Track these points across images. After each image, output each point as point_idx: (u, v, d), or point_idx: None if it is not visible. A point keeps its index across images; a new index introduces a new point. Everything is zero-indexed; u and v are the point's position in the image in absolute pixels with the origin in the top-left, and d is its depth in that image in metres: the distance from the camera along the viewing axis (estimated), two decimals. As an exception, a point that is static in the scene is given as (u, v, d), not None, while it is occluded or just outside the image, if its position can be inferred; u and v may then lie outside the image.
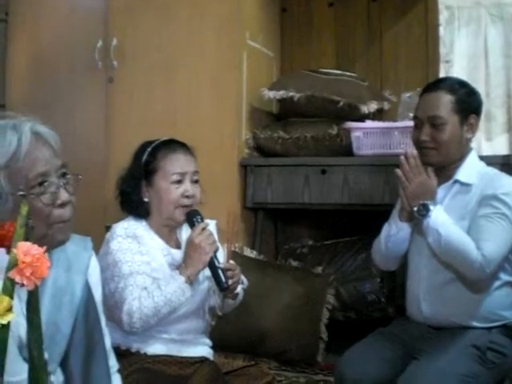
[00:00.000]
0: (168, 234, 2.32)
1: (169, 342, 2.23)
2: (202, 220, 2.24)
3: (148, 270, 2.19)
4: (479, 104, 2.45)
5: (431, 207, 2.31)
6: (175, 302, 2.14)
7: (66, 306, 1.60)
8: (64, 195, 1.53)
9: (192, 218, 2.24)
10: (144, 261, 2.20)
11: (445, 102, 2.37)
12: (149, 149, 2.31)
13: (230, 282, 2.19)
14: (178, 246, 2.32)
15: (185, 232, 2.33)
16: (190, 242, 2.21)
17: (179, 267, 2.20)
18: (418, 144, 2.42)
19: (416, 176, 2.34)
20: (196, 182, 2.29)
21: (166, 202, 2.25)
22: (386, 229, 2.49)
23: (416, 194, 2.33)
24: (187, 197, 2.25)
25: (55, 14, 3.62)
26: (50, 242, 1.55)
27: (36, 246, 1.07)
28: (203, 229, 2.21)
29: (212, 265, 2.19)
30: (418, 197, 2.33)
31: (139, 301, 2.11)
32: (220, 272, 2.18)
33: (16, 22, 3.70)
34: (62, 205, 1.53)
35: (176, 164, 2.27)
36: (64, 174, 1.56)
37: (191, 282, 2.16)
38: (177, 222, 2.30)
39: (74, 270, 1.64)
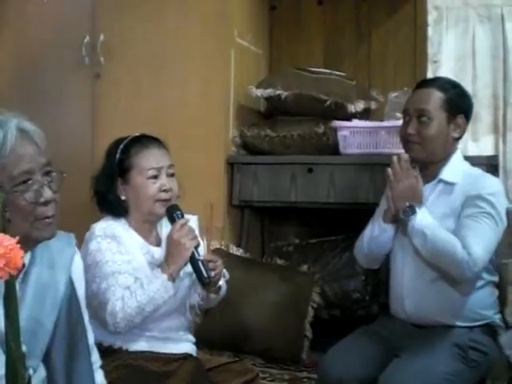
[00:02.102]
0: (148, 231, 2.31)
1: (151, 339, 2.23)
2: (182, 216, 2.23)
3: (129, 268, 2.18)
4: (469, 106, 2.47)
5: (417, 209, 2.32)
6: (158, 300, 2.13)
7: (48, 302, 1.60)
8: (48, 193, 1.53)
9: (172, 213, 2.23)
10: (125, 260, 2.19)
11: (434, 98, 2.39)
12: (121, 146, 2.29)
13: (213, 273, 2.18)
14: (159, 243, 2.31)
15: (165, 228, 2.32)
16: (170, 238, 2.20)
17: (161, 265, 2.18)
18: (405, 138, 2.44)
19: (405, 178, 2.35)
20: (172, 175, 2.29)
21: (144, 197, 2.24)
22: (368, 230, 2.50)
23: (403, 195, 2.34)
24: (165, 191, 2.25)
25: (42, 10, 3.59)
26: (35, 240, 1.56)
27: (8, 237, 1.07)
28: (183, 225, 2.20)
29: (193, 259, 2.17)
30: (404, 198, 2.34)
31: (122, 301, 2.11)
32: (201, 265, 2.17)
33: (2, 17, 3.67)
34: (46, 203, 1.53)
35: (151, 159, 2.26)
36: (48, 172, 1.57)
37: (174, 279, 2.15)
38: (157, 216, 2.29)
39: (57, 266, 1.64)
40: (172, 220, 2.23)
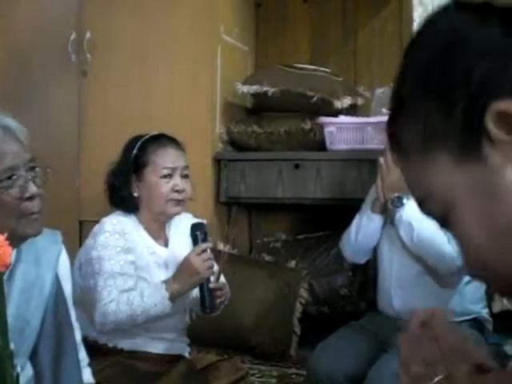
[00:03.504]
0: (157, 230, 2.29)
1: (147, 338, 2.22)
2: (206, 236, 2.20)
3: (131, 270, 2.17)
4: None
5: (405, 200, 2.33)
6: (153, 314, 2.12)
7: (34, 300, 1.59)
8: (32, 188, 1.53)
9: (195, 231, 2.20)
10: (128, 260, 2.17)
11: None
12: (139, 143, 2.28)
13: (218, 301, 2.18)
14: (166, 244, 2.30)
15: (173, 229, 2.31)
16: (186, 259, 2.16)
17: (166, 280, 2.16)
18: None
19: (397, 169, 2.37)
20: (186, 176, 2.27)
21: (157, 196, 2.23)
22: (356, 220, 2.51)
23: (394, 186, 2.35)
24: (177, 191, 2.24)
25: (28, 6, 3.58)
26: (20, 237, 1.55)
27: None
28: (204, 250, 2.17)
29: (202, 285, 2.16)
30: (395, 189, 2.35)
31: (116, 304, 2.09)
32: (206, 294, 2.16)
33: (-12, 14, 3.66)
34: (31, 198, 1.53)
35: (167, 158, 2.25)
36: (32, 168, 1.56)
37: (174, 299, 2.14)
38: (168, 216, 2.28)
39: (43, 263, 1.64)
40: (194, 238, 2.20)
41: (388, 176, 2.36)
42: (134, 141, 2.32)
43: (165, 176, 2.24)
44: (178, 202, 2.24)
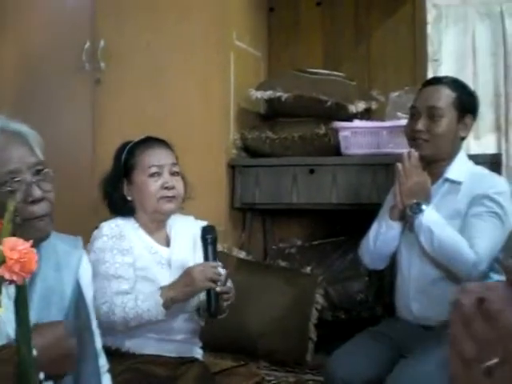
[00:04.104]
0: (156, 231, 2.31)
1: (159, 341, 2.23)
2: (215, 241, 2.22)
3: (128, 273, 2.18)
4: (476, 106, 2.48)
5: (424, 206, 2.31)
6: (146, 319, 2.14)
7: (55, 305, 1.60)
8: (37, 192, 1.53)
9: (205, 234, 2.22)
10: (125, 263, 2.19)
11: (446, 96, 2.39)
12: (127, 148, 2.31)
13: (225, 304, 2.19)
14: (168, 243, 2.31)
15: (174, 229, 2.33)
16: (188, 271, 2.18)
17: (163, 287, 2.17)
18: (412, 134, 2.43)
19: (415, 175, 2.36)
20: (176, 174, 2.29)
21: (147, 195, 2.25)
22: (374, 227, 2.50)
23: (412, 192, 2.35)
24: (167, 188, 2.25)
25: (42, 15, 3.60)
26: (26, 239, 1.55)
27: (22, 241, 1.06)
28: (213, 267, 2.17)
29: (209, 290, 2.17)
30: (413, 195, 2.34)
31: (109, 306, 2.11)
32: (213, 298, 2.16)
33: (3, 23, 3.67)
34: (35, 201, 1.53)
35: (153, 157, 2.28)
36: (38, 171, 1.56)
37: (168, 306, 2.14)
38: (163, 215, 2.29)
39: (63, 269, 1.64)
40: (204, 241, 2.22)
41: (406, 182, 2.35)
42: (122, 147, 2.36)
43: (153, 175, 2.26)
44: (170, 198, 2.25)
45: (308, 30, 3.77)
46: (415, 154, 2.39)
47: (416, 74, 3.46)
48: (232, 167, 3.34)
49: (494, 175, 2.46)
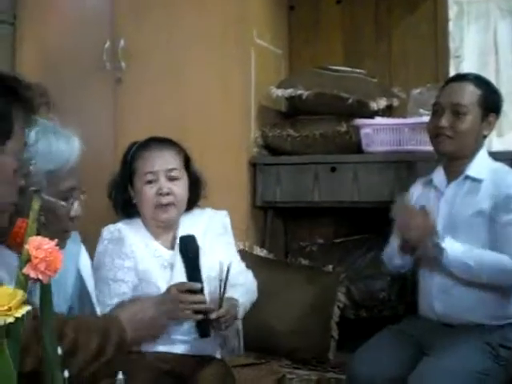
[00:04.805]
0: (163, 233, 2.29)
1: (174, 340, 2.22)
2: (197, 252, 2.07)
3: (128, 276, 2.18)
4: (500, 105, 2.46)
5: (442, 244, 2.28)
6: None
7: (58, 296, 1.61)
8: (77, 209, 1.60)
9: (185, 248, 2.10)
10: (125, 266, 2.19)
11: (471, 93, 2.38)
12: (131, 150, 2.30)
13: (223, 327, 2.11)
14: (173, 246, 2.27)
15: (181, 228, 2.29)
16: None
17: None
18: (435, 130, 2.41)
19: (411, 219, 2.32)
20: (174, 179, 2.24)
21: (145, 202, 2.24)
22: (390, 249, 2.49)
23: (418, 237, 2.32)
24: (161, 194, 2.22)
25: (62, 16, 3.61)
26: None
27: (47, 240, 1.07)
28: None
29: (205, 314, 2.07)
30: (421, 239, 2.31)
31: (103, 308, 2.08)
32: (202, 325, 2.07)
33: (24, 25, 3.69)
34: (73, 218, 1.59)
35: (147, 163, 2.24)
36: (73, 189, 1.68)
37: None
38: (161, 222, 2.27)
39: (64, 261, 1.66)
40: (182, 252, 2.11)
41: (409, 231, 2.32)
42: (128, 149, 2.34)
43: (149, 181, 2.23)
44: (165, 207, 2.21)
45: (328, 28, 3.76)
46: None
47: (438, 71, 3.44)
48: (253, 165, 3.34)
49: None
